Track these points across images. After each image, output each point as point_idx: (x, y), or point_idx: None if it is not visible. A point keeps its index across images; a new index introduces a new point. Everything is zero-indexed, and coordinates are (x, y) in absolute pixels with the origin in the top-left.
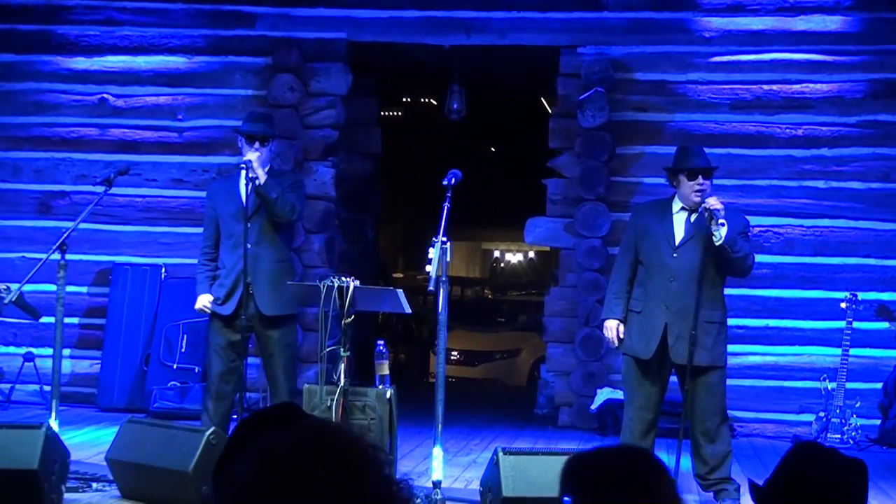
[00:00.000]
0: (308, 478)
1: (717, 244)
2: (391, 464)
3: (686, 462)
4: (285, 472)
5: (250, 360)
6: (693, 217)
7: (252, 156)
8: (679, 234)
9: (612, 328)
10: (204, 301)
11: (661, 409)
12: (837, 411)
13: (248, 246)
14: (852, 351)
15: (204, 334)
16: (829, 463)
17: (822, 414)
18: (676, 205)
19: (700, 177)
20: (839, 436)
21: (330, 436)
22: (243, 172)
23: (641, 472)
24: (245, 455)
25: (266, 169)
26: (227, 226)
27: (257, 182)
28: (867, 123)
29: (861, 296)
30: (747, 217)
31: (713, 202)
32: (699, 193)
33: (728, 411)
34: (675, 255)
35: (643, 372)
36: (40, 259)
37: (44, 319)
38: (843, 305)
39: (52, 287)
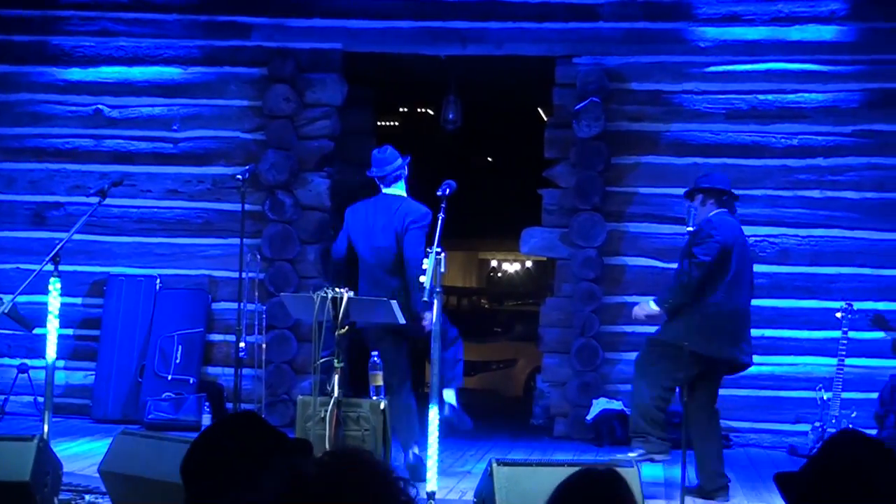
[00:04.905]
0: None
1: None
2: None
3: None
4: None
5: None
6: None
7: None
8: None
9: None
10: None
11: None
12: (833, 421)
13: None
14: (848, 360)
15: (198, 345)
16: (862, 446)
17: (817, 424)
18: None
19: None
20: None
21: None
22: None
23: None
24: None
25: None
26: None
27: None
28: (862, 133)
29: (856, 305)
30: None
31: None
32: None
33: (723, 420)
34: None
35: None
36: (34, 270)
37: (38, 330)
38: (838, 315)
39: (46, 298)
